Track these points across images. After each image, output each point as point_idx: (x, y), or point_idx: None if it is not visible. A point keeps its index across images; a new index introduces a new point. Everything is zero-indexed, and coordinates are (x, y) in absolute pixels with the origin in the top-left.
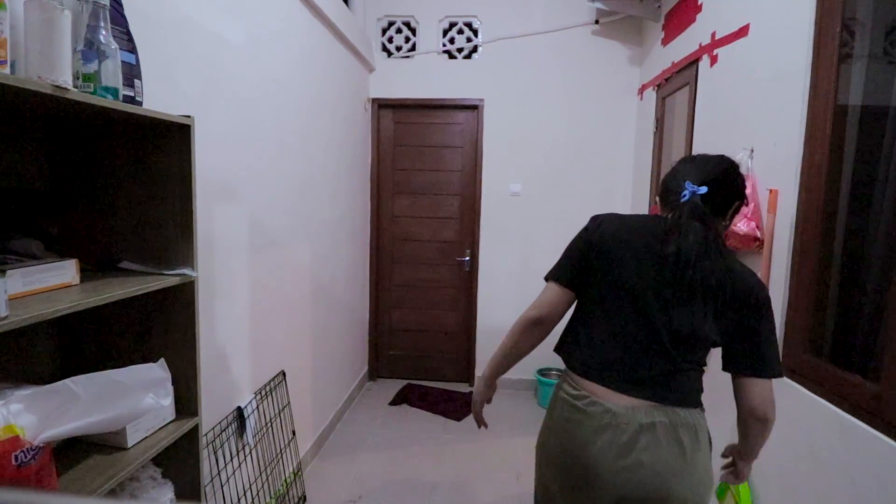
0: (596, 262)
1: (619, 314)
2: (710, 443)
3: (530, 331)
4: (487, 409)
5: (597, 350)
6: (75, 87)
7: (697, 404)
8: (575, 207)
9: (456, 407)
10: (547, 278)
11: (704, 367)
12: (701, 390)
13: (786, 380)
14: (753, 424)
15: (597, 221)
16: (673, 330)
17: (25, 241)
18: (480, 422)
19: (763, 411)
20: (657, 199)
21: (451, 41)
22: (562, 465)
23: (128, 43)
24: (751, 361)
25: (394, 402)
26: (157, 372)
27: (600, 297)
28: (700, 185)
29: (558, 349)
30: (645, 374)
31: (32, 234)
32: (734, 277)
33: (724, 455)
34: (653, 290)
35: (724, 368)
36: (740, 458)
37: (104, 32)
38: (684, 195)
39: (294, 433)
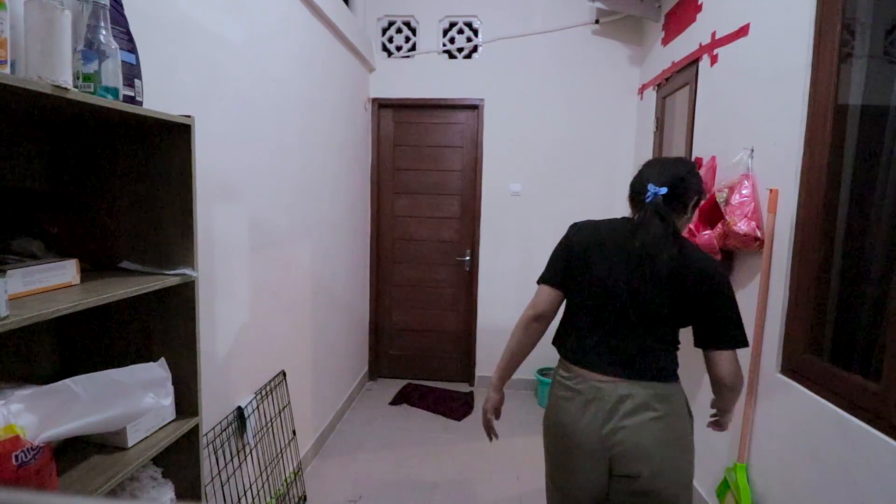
0: (576, 264)
1: (598, 306)
2: (690, 413)
3: (531, 327)
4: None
5: (582, 338)
6: (75, 87)
7: (671, 378)
8: (575, 207)
9: (456, 407)
10: (539, 282)
11: (678, 346)
12: (676, 366)
13: (786, 380)
14: (722, 391)
15: (574, 229)
16: (642, 314)
17: (25, 241)
18: (490, 431)
19: (730, 380)
20: (628, 200)
21: (452, 41)
22: (560, 436)
23: (128, 43)
24: (714, 337)
25: (394, 402)
26: (157, 372)
27: (583, 294)
28: (661, 186)
29: (554, 342)
30: (623, 356)
31: (32, 234)
32: (691, 265)
33: (711, 406)
34: (623, 282)
35: (695, 345)
36: (720, 412)
37: (104, 32)
38: (648, 196)
39: (294, 433)
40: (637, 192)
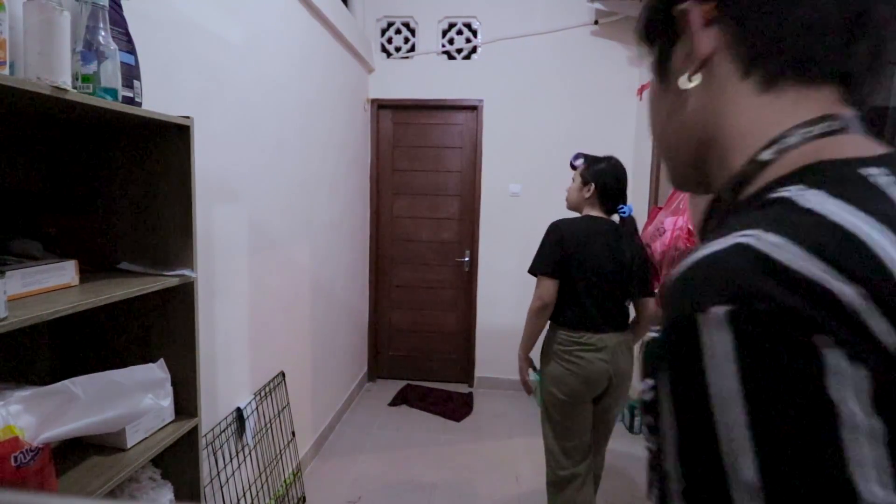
0: (567, 254)
1: (591, 285)
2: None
3: (542, 314)
4: (488, 409)
5: (583, 309)
6: (74, 87)
7: (631, 326)
8: None
9: (456, 407)
10: (539, 274)
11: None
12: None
13: None
14: (647, 325)
15: (557, 225)
16: (620, 287)
17: (25, 242)
18: (525, 387)
19: (656, 316)
20: (594, 188)
21: (451, 42)
22: (580, 376)
23: (127, 44)
24: (646, 288)
25: (393, 403)
26: (156, 372)
27: (577, 278)
28: (626, 204)
29: (553, 318)
30: (611, 316)
31: (32, 235)
32: (639, 253)
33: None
34: (608, 269)
35: (632, 298)
36: (634, 341)
37: (103, 33)
38: (623, 211)
39: (294, 434)
40: (616, 195)
